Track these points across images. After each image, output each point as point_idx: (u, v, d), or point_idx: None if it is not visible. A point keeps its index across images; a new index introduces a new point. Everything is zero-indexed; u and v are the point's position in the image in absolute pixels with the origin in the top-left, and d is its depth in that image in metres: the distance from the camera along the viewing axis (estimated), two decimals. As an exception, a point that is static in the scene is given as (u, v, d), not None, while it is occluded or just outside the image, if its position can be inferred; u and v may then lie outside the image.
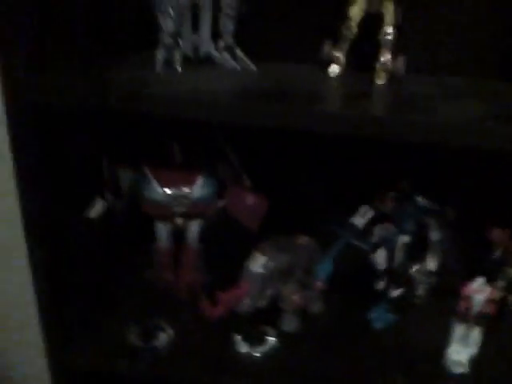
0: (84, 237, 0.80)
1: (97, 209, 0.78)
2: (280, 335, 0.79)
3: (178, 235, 0.87)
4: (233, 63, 0.74)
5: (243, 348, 0.77)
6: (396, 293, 0.81)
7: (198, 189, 0.82)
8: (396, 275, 0.81)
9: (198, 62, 0.74)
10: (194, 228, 0.86)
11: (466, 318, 0.72)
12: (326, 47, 0.73)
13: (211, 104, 0.61)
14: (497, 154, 0.78)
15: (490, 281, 0.76)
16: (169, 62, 0.72)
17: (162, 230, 0.86)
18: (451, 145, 0.55)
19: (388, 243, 0.80)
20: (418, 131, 0.56)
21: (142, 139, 0.86)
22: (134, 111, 0.63)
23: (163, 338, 0.78)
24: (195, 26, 0.74)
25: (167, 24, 0.72)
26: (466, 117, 0.59)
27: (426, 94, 0.68)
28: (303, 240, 0.84)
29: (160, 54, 0.71)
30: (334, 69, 0.73)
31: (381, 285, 0.81)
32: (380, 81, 0.70)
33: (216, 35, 0.74)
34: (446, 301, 0.76)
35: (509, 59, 0.74)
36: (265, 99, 0.62)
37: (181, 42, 0.73)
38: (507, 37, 0.75)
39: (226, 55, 0.74)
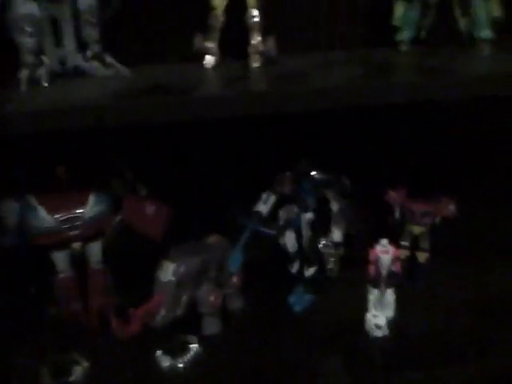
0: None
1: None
2: (203, 340, 0.77)
3: (79, 261, 0.82)
4: (104, 71, 0.71)
5: (165, 362, 0.74)
6: (310, 272, 0.82)
7: (90, 208, 0.78)
8: (307, 254, 0.82)
9: (67, 75, 0.70)
10: (94, 250, 0.81)
11: (378, 281, 0.74)
12: (197, 40, 0.72)
13: (83, 109, 0.58)
14: (378, 114, 0.83)
15: (395, 241, 0.79)
16: (35, 80, 0.67)
17: (59, 258, 0.80)
18: (329, 107, 0.56)
19: (294, 224, 0.80)
20: (297, 100, 0.57)
21: (23, 165, 0.79)
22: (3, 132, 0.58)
23: (78, 371, 0.73)
24: (58, 40, 0.71)
25: (25, 42, 0.67)
26: (339, 80, 0.61)
27: (301, 69, 0.69)
28: (213, 239, 0.82)
29: (23, 74, 0.67)
30: (209, 60, 0.72)
31: (294, 267, 0.82)
32: (255, 64, 0.70)
33: (83, 45, 0.71)
34: (357, 269, 0.77)
35: (379, 26, 0.77)
36: (141, 96, 0.61)
37: (45, 59, 0.69)
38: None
39: (96, 64, 0.71)
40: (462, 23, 0.72)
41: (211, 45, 0.71)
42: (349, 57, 0.72)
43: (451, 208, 0.81)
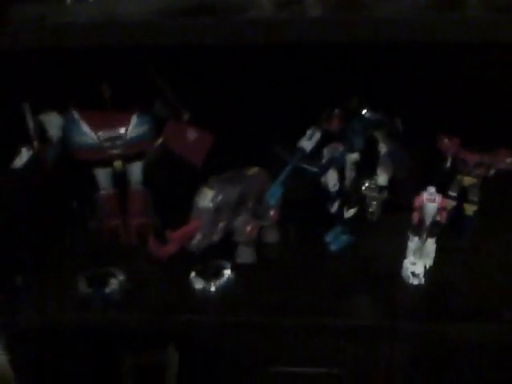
0: (18, 190, 0.75)
1: (22, 158, 0.72)
2: (236, 268, 0.77)
3: (120, 179, 0.82)
4: None
5: (198, 284, 0.75)
6: (350, 213, 0.80)
7: (132, 128, 0.77)
8: (348, 195, 0.79)
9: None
10: (135, 170, 0.82)
11: (420, 229, 0.71)
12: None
13: (128, 25, 0.56)
14: (441, 53, 0.76)
15: (443, 191, 0.76)
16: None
17: (102, 175, 0.82)
18: (390, 39, 0.51)
19: (338, 163, 0.77)
20: (356, 29, 0.52)
21: (68, 80, 0.79)
22: (47, 44, 0.57)
23: (114, 283, 0.75)
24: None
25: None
26: (409, 11, 0.55)
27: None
28: (253, 171, 0.81)
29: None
30: None
31: (334, 207, 0.80)
32: None
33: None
34: (400, 215, 0.74)
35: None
36: (191, 14, 0.57)
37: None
38: None
39: None
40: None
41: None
42: None
43: (509, 161, 0.76)
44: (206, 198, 0.74)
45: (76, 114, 0.77)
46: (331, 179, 0.78)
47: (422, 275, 0.73)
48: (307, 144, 0.76)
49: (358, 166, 0.79)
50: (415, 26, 0.53)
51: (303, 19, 0.55)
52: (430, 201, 0.70)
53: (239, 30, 0.55)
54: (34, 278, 0.77)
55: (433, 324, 0.70)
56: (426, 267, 0.74)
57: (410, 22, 0.53)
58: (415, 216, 0.71)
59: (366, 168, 0.80)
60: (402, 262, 0.75)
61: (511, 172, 0.77)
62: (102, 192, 0.82)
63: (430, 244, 0.73)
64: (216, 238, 0.77)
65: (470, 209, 0.81)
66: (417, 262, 0.73)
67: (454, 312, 0.71)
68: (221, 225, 0.76)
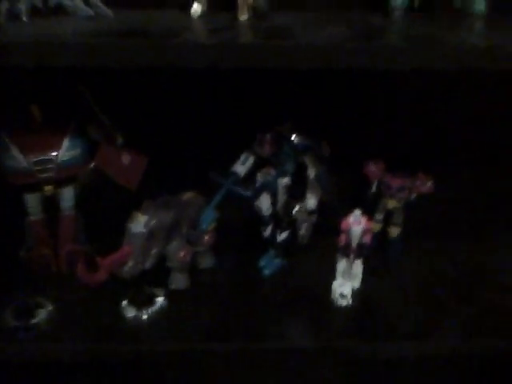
0: None
1: None
2: (169, 294, 0.77)
3: (51, 205, 0.81)
4: (87, 10, 0.68)
5: (130, 312, 0.74)
6: (282, 237, 0.81)
7: (64, 151, 0.76)
8: (280, 219, 0.81)
9: (48, 12, 0.67)
10: (66, 195, 0.80)
11: (347, 251, 0.74)
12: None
13: (62, 46, 0.56)
14: (365, 79, 0.81)
15: (369, 214, 0.79)
16: (15, 14, 0.65)
17: (32, 201, 0.80)
18: (314, 66, 0.55)
19: (270, 187, 0.79)
20: (283, 55, 0.55)
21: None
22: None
23: (43, 314, 0.73)
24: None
25: (6, -25, 0.65)
26: (328, 40, 0.59)
27: (291, 25, 0.67)
28: (188, 196, 0.81)
29: (3, 6, 0.65)
30: (196, 8, 0.69)
31: (267, 231, 0.81)
32: (243, 17, 0.68)
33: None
34: (329, 238, 0.77)
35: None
36: (122, 37, 0.59)
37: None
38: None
39: (78, 2, 0.68)
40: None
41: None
42: (339, 18, 0.70)
43: (428, 185, 0.80)
44: (139, 223, 0.74)
45: (5, 137, 0.75)
46: (264, 203, 0.80)
47: (349, 296, 0.75)
48: (240, 168, 0.78)
49: (289, 189, 0.81)
50: (339, 52, 0.56)
51: (234, 44, 0.58)
52: (356, 223, 0.73)
53: (173, 53, 0.57)
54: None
55: (363, 343, 0.72)
56: (353, 288, 0.76)
57: (335, 49, 0.57)
58: (342, 238, 0.74)
59: (297, 192, 0.82)
60: (330, 284, 0.76)
61: (431, 195, 0.81)
62: (32, 218, 0.80)
63: (357, 265, 0.75)
64: (149, 264, 0.76)
65: (394, 231, 0.84)
66: (345, 284, 0.75)
67: (383, 331, 0.73)
68: (154, 250, 0.76)
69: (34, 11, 0.66)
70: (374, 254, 0.79)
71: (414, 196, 0.81)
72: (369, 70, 0.56)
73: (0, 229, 0.83)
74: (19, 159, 0.75)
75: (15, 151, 0.75)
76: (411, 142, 0.88)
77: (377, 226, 0.83)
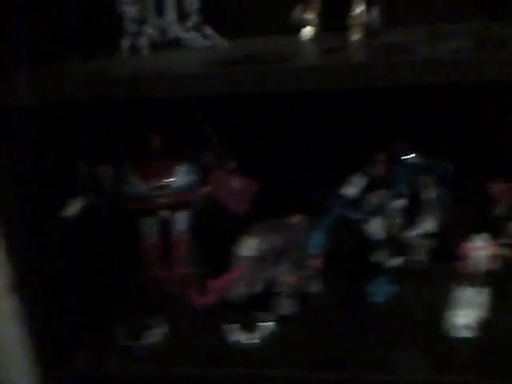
0: (67, 238, 0.77)
1: (74, 207, 0.75)
2: (277, 319, 0.76)
3: (166, 228, 0.84)
4: (202, 41, 0.72)
5: (240, 336, 0.74)
6: (395, 262, 0.77)
7: (180, 178, 0.80)
8: (394, 243, 0.77)
9: (166, 45, 0.72)
10: (180, 219, 0.83)
11: (471, 278, 0.68)
12: (297, 11, 0.70)
13: (178, 77, 0.59)
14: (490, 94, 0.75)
15: (495, 238, 0.72)
16: (135, 49, 0.70)
17: (149, 224, 0.83)
18: (433, 81, 0.52)
19: (383, 210, 0.76)
20: (398, 72, 0.53)
21: (119, 133, 0.83)
22: (101, 96, 0.61)
23: (158, 334, 0.76)
24: (160, 10, 0.73)
25: (128, 11, 0.71)
26: (446, 53, 0.55)
27: (405, 41, 0.64)
28: (297, 219, 0.80)
29: (125, 42, 0.71)
30: (307, 32, 0.70)
31: (379, 255, 0.77)
32: (355, 36, 0.66)
33: (182, 16, 0.72)
34: (449, 263, 0.72)
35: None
36: (234, 65, 0.60)
37: (146, 28, 0.72)
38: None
39: (195, 34, 0.72)
40: None
41: (311, 15, 0.69)
42: (458, 30, 0.66)
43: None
44: (249, 247, 0.74)
45: (127, 166, 0.81)
46: (376, 227, 0.77)
47: (472, 327, 0.69)
48: (351, 190, 0.76)
49: (404, 212, 0.77)
50: (459, 66, 0.53)
51: (346, 64, 0.56)
52: (481, 249, 0.68)
53: (285, 77, 0.57)
54: (77, 325, 0.78)
55: (482, 380, 0.65)
56: (477, 318, 0.70)
57: (454, 63, 0.53)
58: (465, 264, 0.69)
59: (413, 214, 0.78)
60: (449, 313, 0.71)
61: None
62: (147, 241, 0.84)
63: (482, 294, 0.69)
64: (258, 288, 0.76)
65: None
66: (467, 314, 0.69)
67: (507, 367, 0.65)
68: (262, 274, 0.76)
69: (153, 45, 0.71)
70: (503, 281, 0.72)
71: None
72: (495, 82, 0.52)
73: (118, 252, 0.88)
74: (139, 185, 0.80)
75: (135, 178, 0.80)
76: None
77: (504, 251, 0.75)
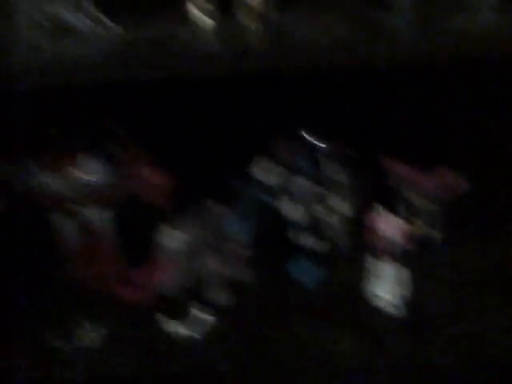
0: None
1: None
2: (209, 309, 0.76)
3: (85, 226, 0.82)
4: (95, 28, 0.69)
5: (172, 328, 0.74)
6: (315, 244, 0.81)
7: (89, 172, 0.78)
8: (308, 224, 0.80)
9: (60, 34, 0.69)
10: (98, 215, 0.81)
11: (382, 252, 0.72)
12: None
13: (75, 67, 0.59)
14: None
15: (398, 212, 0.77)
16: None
17: (66, 224, 0.81)
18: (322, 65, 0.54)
19: (294, 192, 0.78)
20: (290, 57, 0.56)
21: (19, 129, 0.79)
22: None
23: (92, 336, 0.75)
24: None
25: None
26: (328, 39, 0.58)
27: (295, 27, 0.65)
28: (217, 208, 0.81)
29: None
30: (202, 17, 0.69)
31: (298, 238, 0.80)
32: (251, 22, 0.66)
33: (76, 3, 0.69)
34: (360, 239, 0.75)
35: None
36: (132, 52, 0.60)
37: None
38: None
39: (89, 22, 0.69)
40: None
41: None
42: (343, 17, 0.68)
43: (458, 181, 0.78)
44: (171, 238, 0.75)
45: (31, 162, 0.77)
46: (290, 209, 0.79)
47: (389, 300, 0.73)
48: (261, 174, 0.78)
49: (313, 193, 0.79)
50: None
51: (241, 50, 0.58)
52: (387, 223, 0.72)
53: (182, 63, 0.58)
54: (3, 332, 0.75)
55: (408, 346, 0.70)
56: (396, 293, 0.74)
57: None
58: (375, 239, 0.72)
59: (322, 194, 0.80)
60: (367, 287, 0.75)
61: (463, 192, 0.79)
62: (67, 241, 0.82)
63: (394, 267, 0.73)
64: (186, 279, 0.76)
65: (424, 229, 0.81)
66: (382, 286, 0.73)
67: (427, 332, 0.71)
68: (190, 265, 0.76)
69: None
70: (414, 254, 0.76)
71: (444, 193, 0.78)
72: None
73: (37, 253, 0.83)
74: (48, 182, 0.77)
75: (42, 174, 0.76)
76: (437, 138, 0.85)
77: (412, 226, 0.79)
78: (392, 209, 0.72)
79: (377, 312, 0.74)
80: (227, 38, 0.64)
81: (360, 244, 0.77)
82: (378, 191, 0.78)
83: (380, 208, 0.71)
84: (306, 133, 0.77)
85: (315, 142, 0.76)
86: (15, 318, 0.78)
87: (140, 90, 0.68)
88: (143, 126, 0.81)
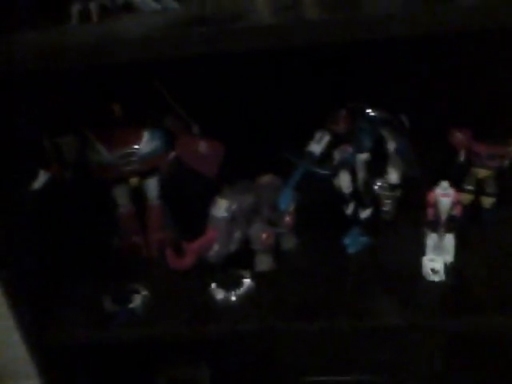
0: (38, 211, 0.77)
1: (40, 180, 0.74)
2: (255, 276, 0.78)
3: (138, 195, 0.84)
4: (153, 4, 0.69)
5: (219, 294, 0.76)
6: (365, 214, 0.79)
7: (145, 144, 0.80)
8: (362, 196, 0.79)
9: (116, 10, 0.70)
10: (151, 185, 0.84)
11: (437, 225, 0.71)
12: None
13: (132, 43, 0.58)
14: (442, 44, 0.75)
15: (458, 185, 0.75)
16: (86, 15, 0.68)
17: (120, 193, 0.84)
18: (384, 36, 0.52)
19: (348, 165, 0.77)
20: (360, 27, 0.53)
21: (79, 102, 0.81)
22: (54, 68, 0.59)
23: (138, 299, 0.77)
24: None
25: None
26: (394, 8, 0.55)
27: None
28: (266, 178, 0.81)
29: (75, 8, 0.68)
30: None
31: (349, 208, 0.80)
32: None
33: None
34: (416, 212, 0.74)
35: None
36: (189, 28, 0.59)
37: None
38: None
39: None
40: None
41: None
42: None
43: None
44: (221, 208, 0.76)
45: (90, 135, 0.79)
46: (343, 181, 0.78)
47: (442, 271, 0.72)
48: (316, 147, 0.76)
49: (368, 165, 0.78)
50: (411, 19, 0.53)
51: (301, 22, 0.56)
52: (445, 196, 0.70)
53: (239, 37, 0.56)
54: (59, 297, 0.79)
55: (457, 319, 0.69)
56: (446, 263, 0.73)
57: (406, 16, 0.53)
58: (430, 212, 0.71)
59: (377, 167, 0.79)
60: (421, 260, 0.74)
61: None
62: (121, 209, 0.84)
63: (449, 239, 0.72)
64: (233, 247, 0.78)
65: (487, 201, 0.79)
66: (436, 259, 0.72)
67: (478, 306, 0.69)
68: (237, 234, 0.77)
69: (102, 10, 0.68)
70: (468, 226, 0.75)
71: (506, 164, 0.76)
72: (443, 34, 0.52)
73: (93, 221, 0.88)
74: (105, 155, 0.79)
75: (100, 147, 0.79)
76: (497, 108, 0.81)
77: (467, 198, 0.78)
78: (453, 181, 0.69)
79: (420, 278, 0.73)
80: (283, 7, 0.62)
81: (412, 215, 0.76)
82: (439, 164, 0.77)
83: (444, 183, 0.68)
84: (362, 103, 0.75)
85: (372, 111, 0.74)
86: (73, 283, 0.81)
87: (196, 65, 0.67)
88: (199, 100, 0.81)
